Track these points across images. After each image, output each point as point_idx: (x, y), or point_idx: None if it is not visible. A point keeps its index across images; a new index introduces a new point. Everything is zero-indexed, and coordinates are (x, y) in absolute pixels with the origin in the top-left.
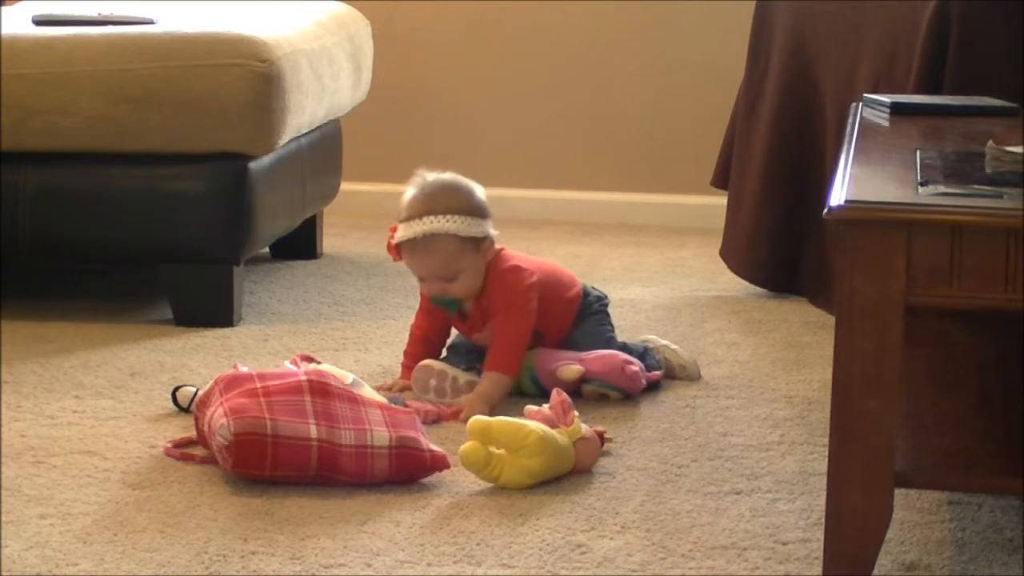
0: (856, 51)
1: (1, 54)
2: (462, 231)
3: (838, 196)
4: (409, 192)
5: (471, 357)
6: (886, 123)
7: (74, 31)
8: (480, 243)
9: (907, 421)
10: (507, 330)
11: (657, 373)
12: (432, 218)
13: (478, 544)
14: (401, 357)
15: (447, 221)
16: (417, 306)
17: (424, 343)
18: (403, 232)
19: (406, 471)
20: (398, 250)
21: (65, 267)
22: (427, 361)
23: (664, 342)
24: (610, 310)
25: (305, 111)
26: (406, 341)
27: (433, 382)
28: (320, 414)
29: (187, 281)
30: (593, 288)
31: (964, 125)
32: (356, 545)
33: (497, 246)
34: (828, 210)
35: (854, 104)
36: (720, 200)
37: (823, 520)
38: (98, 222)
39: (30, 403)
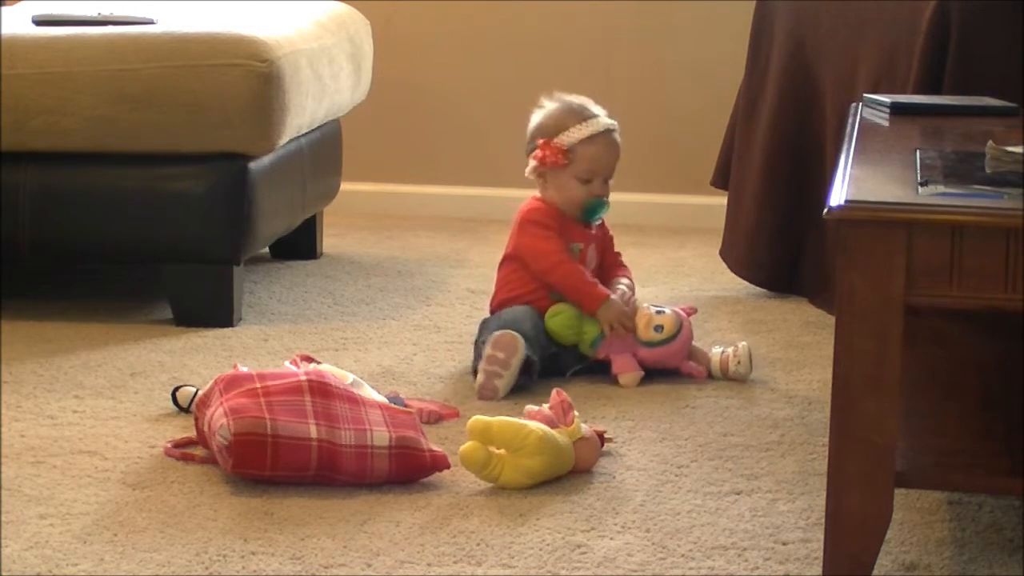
0: (856, 51)
1: (1, 54)
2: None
3: (838, 196)
4: (558, 106)
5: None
6: (886, 123)
7: (74, 31)
8: None
9: (907, 421)
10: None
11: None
12: (609, 119)
13: (478, 544)
14: (401, 357)
15: (616, 124)
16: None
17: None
18: (592, 127)
19: (406, 471)
20: (566, 153)
21: (65, 267)
22: (517, 338)
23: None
24: None
25: (305, 111)
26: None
27: (501, 356)
28: (320, 414)
29: (187, 281)
30: None
31: (964, 125)
32: (356, 545)
33: None
34: (828, 210)
35: (854, 104)
36: (720, 200)
37: (823, 520)
38: (98, 222)
39: (30, 403)
